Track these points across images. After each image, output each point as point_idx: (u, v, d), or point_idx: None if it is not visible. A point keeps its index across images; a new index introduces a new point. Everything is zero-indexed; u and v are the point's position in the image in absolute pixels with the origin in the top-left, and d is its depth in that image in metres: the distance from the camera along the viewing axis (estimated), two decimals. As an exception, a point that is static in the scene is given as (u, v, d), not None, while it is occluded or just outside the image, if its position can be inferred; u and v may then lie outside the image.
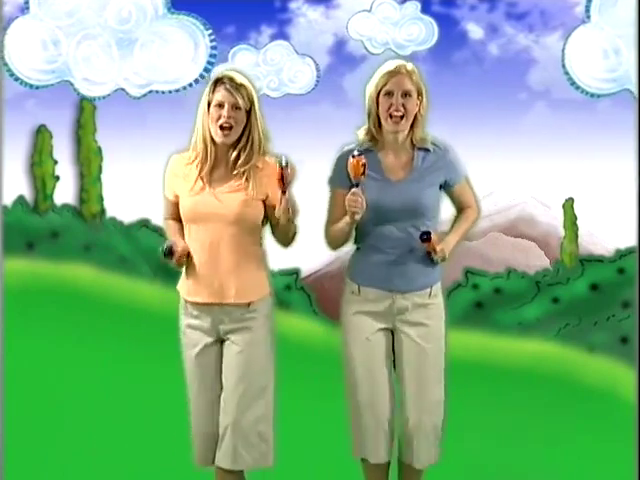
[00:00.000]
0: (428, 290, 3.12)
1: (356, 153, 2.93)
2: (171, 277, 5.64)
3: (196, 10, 5.35)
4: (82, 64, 5.37)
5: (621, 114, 5.27)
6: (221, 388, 3.11)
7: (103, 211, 5.79)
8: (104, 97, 5.47)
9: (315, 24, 5.65)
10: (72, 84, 5.41)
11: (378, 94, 3.04)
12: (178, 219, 3.13)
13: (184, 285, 3.13)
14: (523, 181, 5.74)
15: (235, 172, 3.02)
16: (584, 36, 5.33)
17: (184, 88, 5.41)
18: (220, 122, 2.98)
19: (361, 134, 3.13)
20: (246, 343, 3.06)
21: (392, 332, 3.15)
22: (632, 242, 5.10)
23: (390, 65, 3.06)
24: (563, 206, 5.79)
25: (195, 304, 3.10)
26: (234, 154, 3.02)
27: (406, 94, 3.02)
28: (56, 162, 5.78)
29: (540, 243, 6.21)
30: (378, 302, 3.10)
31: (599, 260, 5.75)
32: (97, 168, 5.78)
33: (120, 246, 5.73)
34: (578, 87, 5.31)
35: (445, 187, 3.15)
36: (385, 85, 3.03)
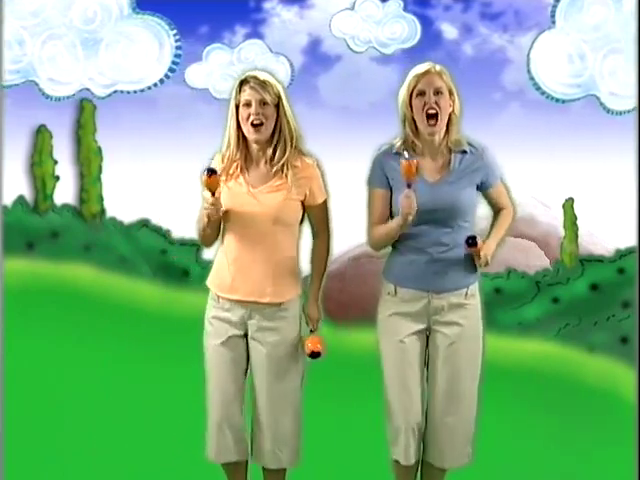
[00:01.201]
0: (464, 290, 3.13)
1: (407, 156, 2.97)
2: (171, 277, 5.68)
3: (167, 10, 5.35)
4: (47, 64, 5.37)
5: (592, 116, 5.28)
6: (245, 380, 3.14)
7: (103, 211, 5.79)
8: (69, 97, 5.48)
9: (289, 24, 5.63)
10: (37, 84, 5.41)
11: (410, 97, 3.09)
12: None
13: (218, 281, 3.13)
14: (523, 181, 5.73)
15: (274, 170, 3.04)
16: (549, 41, 5.32)
17: (149, 88, 5.41)
18: (250, 120, 3.01)
19: (398, 143, 3.14)
20: (273, 346, 3.09)
21: (427, 334, 3.16)
22: (632, 242, 5.10)
23: (419, 67, 3.12)
24: (563, 206, 5.79)
25: (228, 300, 3.11)
26: (270, 151, 3.05)
27: (438, 92, 3.07)
28: (56, 162, 5.77)
29: (540, 243, 6.19)
30: (414, 302, 3.11)
31: (599, 260, 5.74)
32: (97, 168, 5.77)
33: (120, 246, 5.73)
34: (543, 92, 5.31)
35: (481, 188, 3.18)
36: (417, 85, 3.08)
